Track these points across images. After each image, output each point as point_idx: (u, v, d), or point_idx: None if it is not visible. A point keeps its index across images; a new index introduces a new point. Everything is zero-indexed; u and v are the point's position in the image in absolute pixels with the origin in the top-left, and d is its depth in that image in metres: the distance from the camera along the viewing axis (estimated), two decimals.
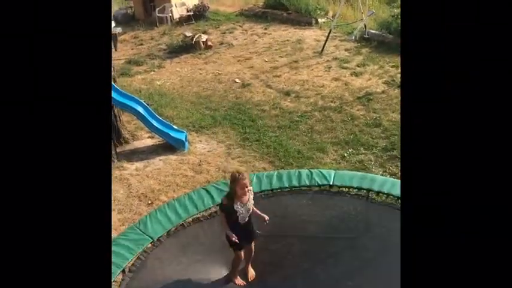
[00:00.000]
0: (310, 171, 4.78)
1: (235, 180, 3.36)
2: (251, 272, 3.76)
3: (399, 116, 6.79)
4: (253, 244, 3.68)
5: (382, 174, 5.45)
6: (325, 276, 3.53)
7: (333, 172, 4.68)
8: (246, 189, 3.38)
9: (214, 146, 6.65)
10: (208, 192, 4.49)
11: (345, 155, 6.14)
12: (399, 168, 5.72)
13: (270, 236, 4.01)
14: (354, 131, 6.66)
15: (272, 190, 4.54)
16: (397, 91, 7.61)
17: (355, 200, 4.33)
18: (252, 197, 3.50)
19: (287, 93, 7.99)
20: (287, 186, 4.55)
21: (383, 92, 7.68)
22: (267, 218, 3.53)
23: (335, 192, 4.45)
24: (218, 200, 4.42)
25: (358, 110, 7.22)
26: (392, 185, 4.38)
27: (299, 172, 4.76)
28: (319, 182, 4.52)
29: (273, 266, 3.73)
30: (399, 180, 4.71)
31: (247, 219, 3.49)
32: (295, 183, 4.56)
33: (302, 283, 3.53)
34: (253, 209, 3.54)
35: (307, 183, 4.54)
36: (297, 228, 4.10)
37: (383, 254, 3.56)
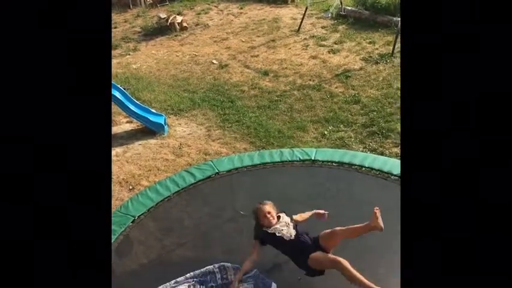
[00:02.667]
0: (291, 149, 4.78)
1: (255, 213, 3.31)
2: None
3: (378, 92, 6.88)
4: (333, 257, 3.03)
5: (362, 151, 5.49)
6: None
7: (314, 150, 4.70)
8: (269, 215, 3.26)
9: (194, 129, 6.60)
10: (190, 173, 4.47)
11: (325, 132, 6.16)
12: (379, 144, 5.78)
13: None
14: (334, 108, 6.67)
15: (254, 165, 4.54)
16: (375, 67, 7.64)
17: (337, 172, 4.34)
18: (285, 217, 3.31)
19: (265, 73, 7.94)
20: (269, 161, 4.56)
21: (361, 68, 7.70)
22: (321, 211, 3.38)
23: (317, 166, 4.47)
24: (200, 177, 4.42)
25: (336, 88, 7.23)
26: (374, 160, 4.42)
27: (280, 151, 4.77)
28: (301, 158, 4.53)
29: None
30: (380, 156, 4.77)
31: (293, 233, 3.21)
32: (277, 159, 4.57)
33: (286, 261, 3.53)
34: (296, 220, 3.34)
35: (290, 159, 4.55)
36: (281, 206, 4.11)
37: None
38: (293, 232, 3.21)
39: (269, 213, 3.26)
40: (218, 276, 3.34)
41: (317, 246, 3.13)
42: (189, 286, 3.25)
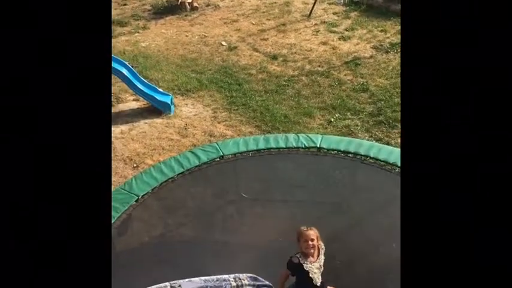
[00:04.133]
0: (297, 135, 4.77)
1: (299, 234, 3.09)
2: None
3: (386, 82, 6.82)
4: None
5: (368, 140, 5.47)
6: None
7: (320, 136, 4.68)
8: (311, 243, 3.04)
9: (201, 110, 6.59)
10: (195, 154, 4.47)
11: (332, 120, 6.13)
12: (385, 134, 5.76)
13: (256, 200, 4.04)
14: (341, 95, 6.63)
15: (258, 151, 4.54)
16: (385, 56, 7.57)
17: (342, 161, 4.33)
18: (322, 256, 3.12)
19: (274, 57, 7.88)
20: (274, 147, 4.55)
21: (371, 57, 7.63)
22: None
23: (322, 154, 4.47)
24: (205, 160, 4.42)
25: (345, 75, 7.18)
26: (379, 150, 4.41)
27: (286, 136, 4.76)
28: (306, 145, 4.52)
29: (257, 229, 3.76)
30: (386, 146, 4.75)
31: (319, 281, 3.09)
32: (282, 145, 4.56)
33: (287, 245, 3.56)
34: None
35: (294, 145, 4.54)
36: (283, 192, 4.12)
37: (369, 217, 3.61)
38: (320, 279, 3.09)
39: (312, 240, 3.06)
40: (233, 284, 3.36)
41: None
42: None
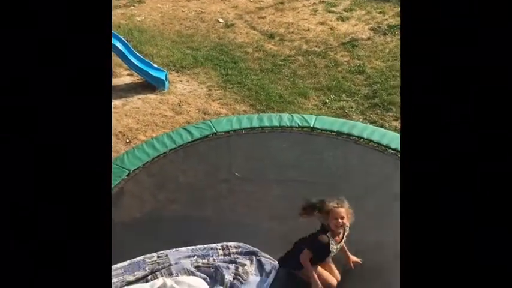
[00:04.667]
0: (291, 115, 4.76)
1: (329, 210, 2.85)
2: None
3: (383, 64, 6.79)
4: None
5: (362, 122, 5.46)
6: (301, 220, 3.57)
7: (314, 117, 4.67)
8: (341, 221, 2.83)
9: (195, 87, 6.53)
10: (188, 131, 4.45)
11: (327, 101, 6.11)
12: (379, 117, 5.75)
13: (248, 179, 4.03)
14: (337, 77, 6.59)
15: (252, 129, 4.52)
16: (383, 38, 7.51)
17: (336, 141, 4.33)
18: (345, 233, 2.99)
19: (271, 36, 7.79)
20: (268, 126, 4.54)
21: (368, 38, 7.56)
22: (356, 260, 3.10)
23: (316, 134, 4.46)
24: (198, 137, 4.40)
25: (342, 56, 7.12)
26: (372, 132, 4.40)
27: (280, 115, 4.74)
28: (300, 125, 4.51)
29: (249, 208, 3.76)
30: (379, 128, 4.74)
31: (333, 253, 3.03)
32: (276, 124, 4.55)
33: (277, 226, 3.57)
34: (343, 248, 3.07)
35: (288, 125, 4.53)
36: (276, 171, 4.12)
37: (362, 197, 3.61)
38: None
39: (342, 218, 2.84)
40: (220, 252, 3.37)
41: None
42: (191, 261, 3.28)
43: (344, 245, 3.08)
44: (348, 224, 2.93)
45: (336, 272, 3.12)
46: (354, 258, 3.14)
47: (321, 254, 2.96)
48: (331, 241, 2.91)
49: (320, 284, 2.91)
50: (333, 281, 3.04)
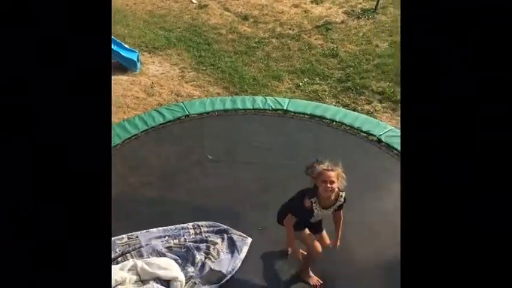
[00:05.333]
0: (264, 97, 4.75)
1: (318, 172, 2.65)
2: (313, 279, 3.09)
3: (356, 48, 6.81)
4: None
5: (335, 105, 5.49)
6: (273, 202, 3.59)
7: (287, 100, 4.67)
8: (330, 186, 2.62)
9: (168, 69, 6.44)
10: (160, 113, 4.40)
11: (300, 84, 6.11)
12: (352, 100, 5.79)
13: (221, 161, 4.02)
14: (311, 60, 6.59)
15: (225, 111, 4.50)
16: (356, 22, 7.53)
17: (308, 124, 4.34)
18: (339, 204, 2.82)
19: (245, 18, 7.72)
20: (241, 108, 4.52)
21: (342, 22, 7.57)
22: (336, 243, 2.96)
23: (289, 117, 4.47)
24: (170, 118, 4.35)
25: (316, 39, 7.12)
26: (345, 115, 4.44)
27: (253, 98, 4.73)
28: (273, 107, 4.51)
29: (221, 191, 3.76)
30: (351, 112, 4.78)
31: (320, 219, 2.89)
32: (249, 107, 4.54)
33: (250, 208, 3.59)
34: (337, 216, 2.90)
35: (261, 107, 4.53)
36: (249, 153, 4.12)
37: None
38: (320, 219, 2.91)
39: (332, 183, 2.64)
40: (191, 231, 3.36)
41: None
42: (162, 241, 3.26)
43: (341, 216, 2.93)
44: (338, 188, 2.72)
45: (328, 240, 3.02)
46: (331, 241, 3.04)
47: (303, 219, 2.80)
48: (316, 206, 2.72)
49: (300, 250, 2.87)
50: (318, 249, 2.92)
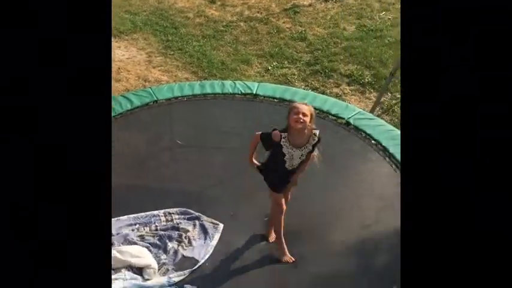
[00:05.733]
0: (233, 82, 4.72)
1: (291, 107, 2.72)
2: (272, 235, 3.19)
3: (324, 31, 6.83)
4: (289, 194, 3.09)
5: (304, 89, 5.52)
6: (244, 185, 3.60)
7: (256, 84, 4.65)
8: (302, 117, 2.62)
9: (134, 53, 6.31)
10: (127, 98, 4.31)
11: (269, 68, 6.10)
12: (321, 83, 5.82)
13: (191, 147, 3.99)
14: (279, 44, 6.58)
15: (194, 96, 4.45)
16: (324, 5, 7.54)
17: (278, 108, 4.33)
18: (309, 146, 2.79)
19: (212, 1, 7.61)
20: (210, 93, 4.49)
21: (310, 5, 7.56)
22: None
23: (258, 101, 4.45)
24: (138, 104, 4.28)
25: (284, 23, 7.10)
26: (314, 98, 4.45)
27: (222, 83, 4.69)
28: (243, 91, 4.49)
29: (192, 177, 3.73)
30: (320, 95, 4.81)
31: (296, 165, 2.85)
32: (218, 91, 4.50)
33: (221, 192, 3.58)
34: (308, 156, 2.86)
35: (231, 91, 4.50)
36: (219, 138, 4.09)
37: None
38: (294, 166, 2.87)
39: (304, 115, 2.64)
40: (163, 219, 3.33)
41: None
42: (133, 229, 3.22)
43: (313, 157, 2.90)
44: (311, 126, 2.72)
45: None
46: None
47: (274, 151, 2.80)
48: (285, 142, 2.73)
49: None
50: (282, 205, 3.00)
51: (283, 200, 3.03)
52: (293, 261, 3.08)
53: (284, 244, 3.10)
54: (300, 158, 2.82)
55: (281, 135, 2.73)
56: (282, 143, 2.74)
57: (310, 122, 2.70)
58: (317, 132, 2.80)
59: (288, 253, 3.10)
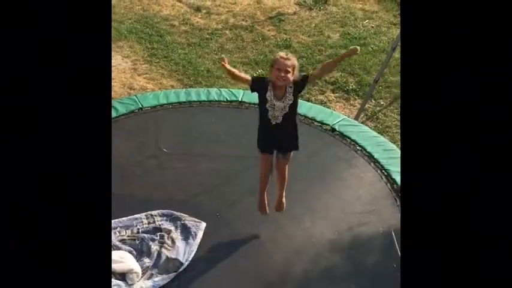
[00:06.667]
0: (219, 89, 4.73)
1: (273, 60, 2.70)
2: (281, 204, 3.20)
3: (309, 39, 6.89)
4: (286, 167, 3.05)
5: None
6: (231, 193, 3.61)
7: (242, 91, 4.67)
8: (283, 75, 2.62)
9: (119, 61, 6.28)
10: (113, 106, 4.29)
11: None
12: (306, 91, 5.85)
13: (176, 154, 3.98)
14: (265, 51, 6.61)
15: (180, 103, 4.45)
16: (308, 13, 7.61)
17: None
18: (290, 96, 2.75)
19: (198, 9, 7.63)
20: (196, 100, 4.49)
21: (294, 13, 7.63)
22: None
23: (244, 108, 4.47)
24: (123, 112, 4.27)
25: (269, 31, 7.15)
26: (299, 105, 4.47)
27: (208, 90, 4.70)
28: (228, 99, 4.50)
29: (179, 184, 3.72)
30: (305, 102, 4.84)
31: (280, 120, 2.81)
32: (203, 99, 4.51)
33: (208, 201, 3.57)
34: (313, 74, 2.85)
35: (216, 99, 4.51)
36: (205, 146, 4.09)
37: (289, 174, 3.69)
38: (280, 121, 2.82)
39: (286, 72, 2.64)
40: (145, 221, 3.31)
41: (277, 150, 3.00)
42: (114, 233, 3.19)
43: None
44: (294, 77, 2.72)
45: (285, 174, 3.07)
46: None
47: (260, 103, 2.84)
48: (270, 91, 2.74)
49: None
50: (264, 170, 3.06)
51: (265, 165, 3.03)
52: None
53: (261, 203, 3.16)
54: (282, 111, 2.79)
55: (267, 84, 2.76)
56: (269, 89, 2.76)
57: (293, 74, 2.70)
58: (295, 72, 2.79)
59: (263, 210, 3.16)
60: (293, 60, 2.69)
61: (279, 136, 2.93)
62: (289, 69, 2.65)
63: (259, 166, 3.10)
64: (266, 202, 3.18)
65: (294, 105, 2.80)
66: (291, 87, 2.76)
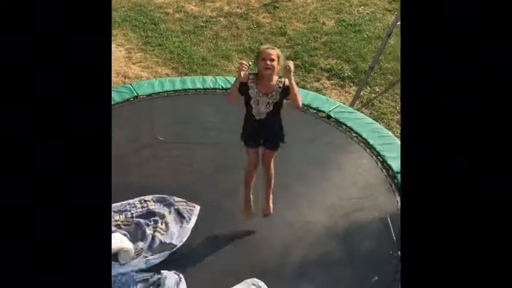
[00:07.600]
0: (214, 77, 4.71)
1: (258, 52, 2.76)
2: (268, 207, 3.18)
3: (304, 26, 6.86)
4: (272, 163, 3.06)
5: None
6: (228, 182, 3.61)
7: None
8: (270, 63, 2.66)
9: (113, 50, 6.23)
10: None
11: (250, 63, 6.08)
12: (301, 78, 5.85)
13: (172, 142, 3.98)
14: (259, 39, 6.58)
15: (175, 91, 4.44)
16: (303, 0, 7.56)
17: None
18: (277, 94, 2.77)
19: None
20: (191, 88, 4.47)
21: (289, 0, 7.58)
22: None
23: (240, 96, 4.45)
24: (118, 100, 4.25)
25: (264, 18, 7.11)
26: None
27: (203, 78, 4.68)
28: (224, 87, 4.49)
29: (175, 172, 3.73)
30: (301, 89, 4.82)
31: (263, 117, 2.84)
32: (199, 87, 4.50)
33: (204, 188, 3.58)
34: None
35: (212, 87, 4.50)
36: (200, 133, 4.09)
37: (286, 154, 3.70)
38: (263, 116, 2.84)
39: (271, 60, 2.68)
40: (138, 206, 3.32)
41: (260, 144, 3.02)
42: None
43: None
44: (278, 67, 2.74)
45: (271, 170, 3.08)
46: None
47: (245, 97, 2.85)
48: (252, 84, 2.78)
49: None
50: (250, 163, 3.07)
51: (251, 159, 3.05)
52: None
53: (246, 203, 3.14)
54: (266, 106, 2.82)
55: (249, 76, 2.79)
56: (249, 84, 2.80)
57: (278, 64, 2.74)
58: (282, 80, 2.80)
59: (247, 212, 3.14)
60: (277, 51, 2.76)
61: (264, 131, 2.96)
62: (274, 57, 2.71)
63: (247, 159, 3.10)
64: (251, 203, 3.15)
65: (278, 105, 2.85)
66: (280, 87, 2.80)
